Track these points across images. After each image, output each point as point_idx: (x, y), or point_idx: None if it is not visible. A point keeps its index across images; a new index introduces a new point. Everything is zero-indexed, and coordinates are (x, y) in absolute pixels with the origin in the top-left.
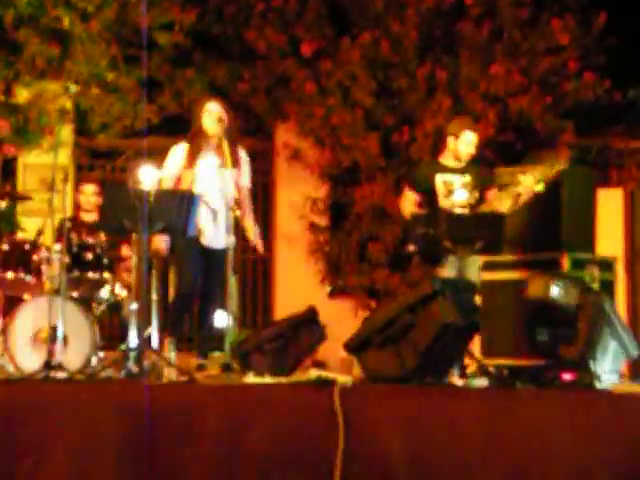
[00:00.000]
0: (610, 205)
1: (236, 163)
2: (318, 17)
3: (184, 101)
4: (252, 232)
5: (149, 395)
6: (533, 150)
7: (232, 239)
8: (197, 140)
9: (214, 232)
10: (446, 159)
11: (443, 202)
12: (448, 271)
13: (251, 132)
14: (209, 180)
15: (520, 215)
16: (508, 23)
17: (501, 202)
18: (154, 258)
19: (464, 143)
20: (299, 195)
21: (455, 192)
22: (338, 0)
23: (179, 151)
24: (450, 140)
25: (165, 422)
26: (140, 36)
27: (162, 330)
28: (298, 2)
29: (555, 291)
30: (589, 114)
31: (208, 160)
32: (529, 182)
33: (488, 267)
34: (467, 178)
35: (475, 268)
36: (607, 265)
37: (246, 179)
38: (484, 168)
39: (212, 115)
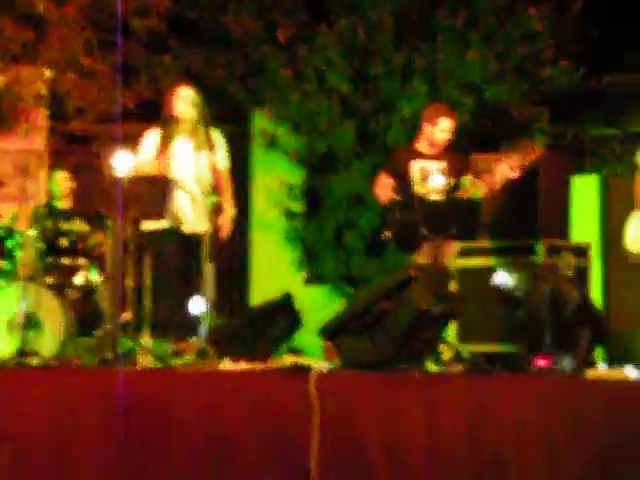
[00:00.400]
0: (585, 192)
1: (211, 146)
2: (294, 3)
3: (160, 87)
4: (224, 215)
5: (124, 382)
6: (509, 137)
7: (209, 225)
8: (169, 125)
9: (193, 217)
10: (422, 145)
11: (418, 188)
12: (423, 258)
13: (227, 118)
14: (184, 165)
15: (495, 201)
16: (484, 10)
17: (477, 189)
18: (129, 244)
19: (440, 130)
20: (275, 181)
21: (431, 177)
22: None
23: (152, 136)
24: (426, 127)
25: (140, 409)
26: (115, 20)
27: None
28: None
29: (500, 278)
30: (565, 101)
31: (182, 145)
32: (504, 170)
33: (463, 253)
34: (443, 164)
35: (450, 254)
36: (581, 251)
37: (223, 161)
38: (459, 155)
39: (185, 100)
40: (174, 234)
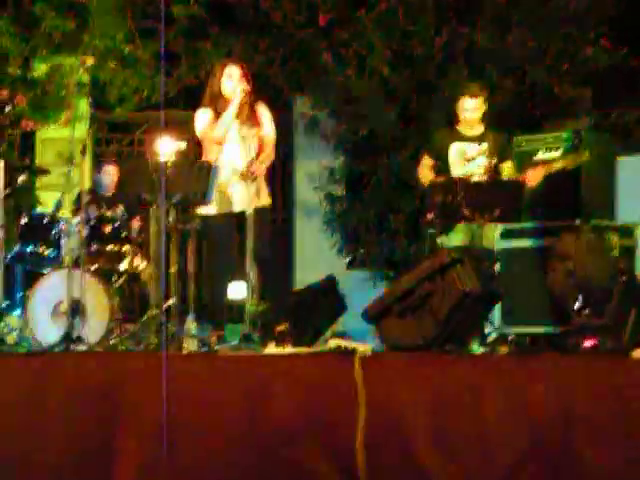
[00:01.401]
0: (630, 172)
1: (257, 122)
2: None
3: (201, 73)
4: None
5: (169, 366)
6: (552, 118)
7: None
8: (217, 103)
9: (242, 195)
10: (462, 127)
11: (457, 170)
12: (458, 238)
13: (268, 104)
14: (232, 143)
15: (540, 182)
16: None
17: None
18: (173, 230)
19: (465, 109)
20: (317, 165)
21: (471, 159)
22: None
23: (203, 115)
24: (457, 108)
25: (186, 393)
26: (156, 8)
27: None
28: None
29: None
30: (607, 81)
31: (229, 123)
32: (559, 165)
33: (507, 235)
34: (484, 146)
35: (491, 235)
36: (628, 231)
37: (268, 130)
38: (501, 137)
39: (232, 77)
40: (224, 218)
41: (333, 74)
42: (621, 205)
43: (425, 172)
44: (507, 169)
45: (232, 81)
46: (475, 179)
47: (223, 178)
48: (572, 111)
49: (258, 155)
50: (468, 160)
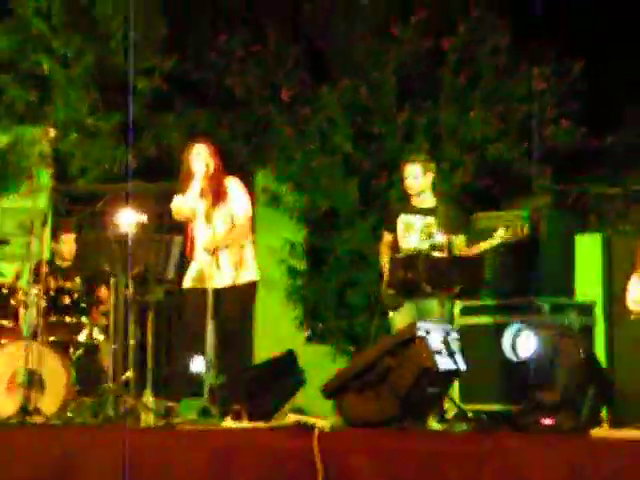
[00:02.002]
0: (588, 250)
1: (224, 199)
2: (297, 63)
3: (163, 145)
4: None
5: (128, 440)
6: (511, 196)
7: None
8: (188, 183)
9: (215, 272)
10: (414, 199)
11: (402, 243)
12: (407, 314)
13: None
14: (200, 220)
15: (499, 259)
16: (486, 69)
17: (468, 249)
18: (132, 302)
19: (405, 177)
20: (278, 239)
21: (415, 233)
22: (317, 46)
23: (177, 200)
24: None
25: (145, 467)
26: (119, 81)
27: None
28: (277, 48)
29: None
30: (567, 160)
31: (197, 202)
32: (501, 234)
33: (466, 312)
34: (428, 219)
35: (436, 310)
36: (586, 310)
37: (239, 205)
38: (453, 211)
39: (199, 156)
40: (196, 293)
41: (295, 149)
42: (579, 283)
43: (383, 249)
44: (459, 243)
45: (200, 159)
46: (436, 255)
47: (199, 258)
48: (531, 189)
49: (230, 231)
50: (409, 232)
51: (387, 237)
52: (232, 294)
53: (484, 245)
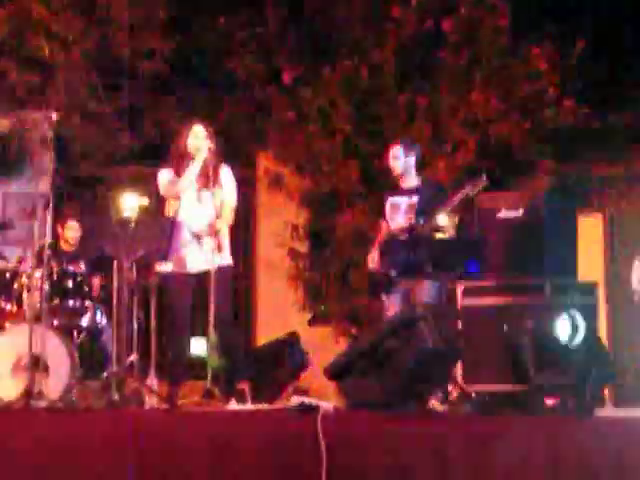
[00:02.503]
0: (590, 230)
1: (219, 184)
2: (298, 45)
3: (164, 129)
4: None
5: (130, 423)
6: (513, 176)
7: (215, 263)
8: (181, 162)
9: (198, 256)
10: (402, 181)
11: (392, 224)
12: (396, 298)
13: (232, 160)
14: (190, 203)
15: (503, 239)
16: (487, 50)
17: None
18: (135, 286)
19: (389, 159)
20: (280, 222)
21: (400, 214)
22: (318, 28)
23: (165, 175)
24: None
25: (149, 450)
26: (120, 64)
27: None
28: (277, 30)
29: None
30: (569, 140)
31: (190, 182)
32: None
33: (469, 293)
34: (413, 199)
35: (423, 294)
36: (588, 290)
37: (230, 198)
38: (437, 189)
39: (197, 136)
40: (179, 277)
41: (296, 131)
42: (581, 264)
43: (380, 235)
44: (442, 219)
45: (198, 140)
46: (438, 235)
47: (181, 237)
48: (533, 169)
49: (217, 216)
50: (395, 213)
51: (385, 225)
52: (217, 277)
53: (451, 202)
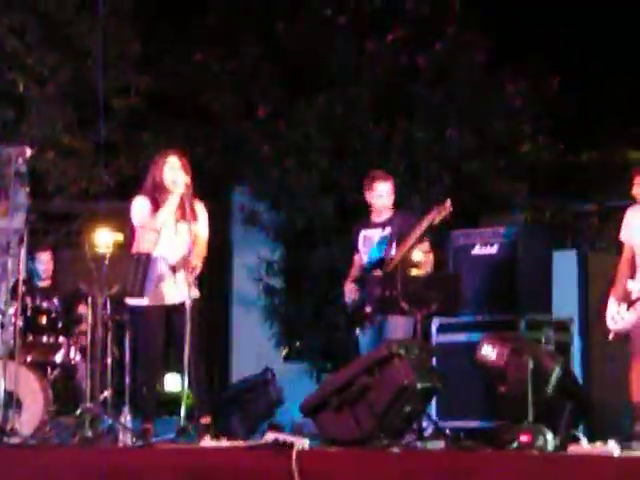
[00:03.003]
0: (565, 267)
1: (194, 217)
2: (272, 79)
3: (139, 164)
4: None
5: (104, 460)
6: (488, 212)
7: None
8: (157, 193)
9: (173, 289)
10: (374, 215)
11: (364, 257)
12: (370, 334)
13: (206, 194)
14: (167, 235)
15: (477, 276)
16: (461, 86)
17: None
18: (110, 321)
19: (377, 195)
20: (255, 257)
21: (372, 249)
22: (292, 62)
23: (143, 204)
24: (366, 194)
25: None
26: (95, 99)
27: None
28: (252, 64)
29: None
30: (544, 176)
31: (166, 214)
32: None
33: (444, 329)
34: (387, 231)
35: (394, 330)
36: (563, 327)
37: (203, 227)
38: (406, 219)
39: (174, 168)
40: (154, 310)
41: (271, 166)
42: (556, 300)
43: (352, 270)
44: (417, 255)
45: (173, 171)
46: (414, 273)
47: (156, 271)
48: (508, 206)
49: (191, 251)
50: (368, 247)
51: (357, 258)
52: (189, 311)
53: (418, 230)
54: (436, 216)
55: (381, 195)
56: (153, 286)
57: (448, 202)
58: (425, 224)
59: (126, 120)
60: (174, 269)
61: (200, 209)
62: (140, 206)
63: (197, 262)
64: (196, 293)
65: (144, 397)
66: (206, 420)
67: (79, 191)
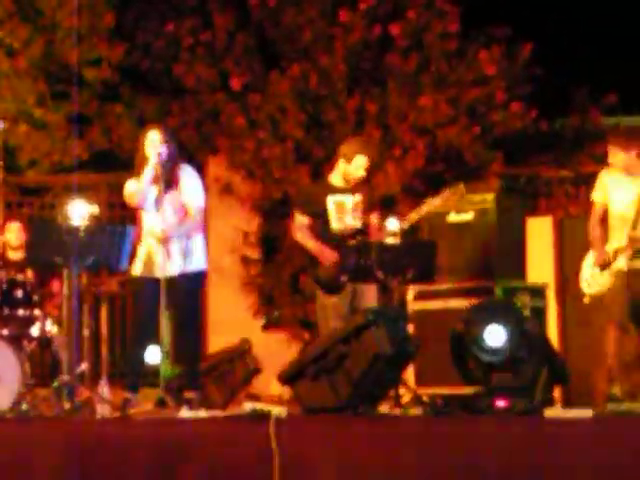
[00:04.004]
0: (540, 233)
1: (176, 187)
2: (246, 51)
3: (113, 137)
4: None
5: (81, 432)
6: (462, 180)
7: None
8: (142, 169)
9: (164, 261)
10: (335, 179)
11: (336, 223)
12: (341, 301)
13: None
14: (150, 209)
15: (453, 243)
16: (435, 55)
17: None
18: (86, 293)
19: (355, 167)
20: (231, 228)
21: (348, 215)
22: (266, 34)
23: (131, 184)
24: (341, 162)
25: (98, 458)
26: (67, 72)
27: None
28: (226, 36)
29: None
30: (518, 144)
31: (150, 187)
32: (430, 205)
33: (420, 296)
34: (357, 198)
35: (370, 296)
36: (538, 292)
37: (189, 194)
38: (369, 189)
39: (153, 143)
40: (147, 282)
41: (246, 137)
42: (531, 266)
43: (302, 232)
44: (375, 220)
45: (153, 145)
46: (388, 241)
47: (147, 243)
48: (483, 174)
49: (181, 219)
50: (343, 212)
51: (300, 218)
52: (181, 283)
53: (422, 209)
54: (449, 198)
55: (358, 167)
56: (147, 258)
57: (462, 186)
58: (435, 203)
59: (99, 93)
60: (163, 241)
61: (187, 176)
62: (128, 187)
63: (184, 229)
64: (195, 265)
65: (132, 367)
66: (189, 395)
67: (52, 164)
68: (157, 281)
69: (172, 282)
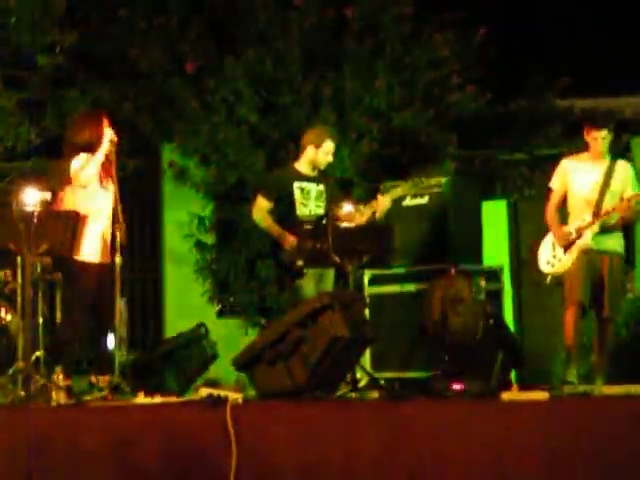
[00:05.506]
0: (495, 216)
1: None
2: (201, 35)
3: (67, 122)
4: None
5: (35, 419)
6: (418, 163)
7: (118, 258)
8: (88, 151)
9: (102, 249)
10: (302, 166)
11: (300, 210)
12: (308, 284)
13: (136, 152)
14: (94, 195)
15: (408, 227)
16: (390, 38)
17: (361, 215)
18: (39, 280)
19: (324, 152)
20: (186, 214)
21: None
22: (221, 18)
23: (80, 159)
24: (310, 149)
25: (51, 445)
26: (20, 57)
27: (51, 358)
28: (180, 20)
29: None
30: (472, 127)
31: (92, 174)
32: (387, 200)
33: (376, 281)
34: (321, 187)
35: (330, 279)
36: (494, 275)
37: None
38: (331, 179)
39: (105, 125)
40: (90, 267)
41: (201, 122)
42: (486, 249)
43: (259, 213)
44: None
45: (100, 128)
46: (345, 225)
47: (100, 227)
48: (438, 157)
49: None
50: (307, 198)
51: (264, 203)
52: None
53: (386, 199)
54: (410, 190)
55: (327, 153)
56: (85, 243)
57: (423, 179)
58: (399, 192)
59: (52, 78)
60: (102, 230)
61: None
62: (77, 161)
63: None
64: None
65: (70, 353)
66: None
67: (5, 150)
68: (98, 266)
69: (108, 269)
